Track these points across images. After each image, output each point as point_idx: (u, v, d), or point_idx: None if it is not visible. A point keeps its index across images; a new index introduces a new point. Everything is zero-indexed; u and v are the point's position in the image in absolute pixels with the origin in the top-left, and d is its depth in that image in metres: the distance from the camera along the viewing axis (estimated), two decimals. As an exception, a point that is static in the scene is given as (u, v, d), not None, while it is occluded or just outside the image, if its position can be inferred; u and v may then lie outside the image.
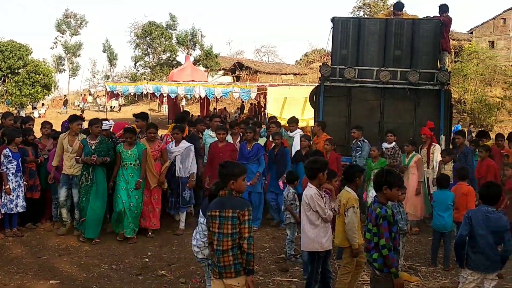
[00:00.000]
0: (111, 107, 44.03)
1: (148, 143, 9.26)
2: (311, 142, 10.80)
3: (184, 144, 9.69)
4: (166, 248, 8.69)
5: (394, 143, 10.64)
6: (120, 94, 30.57)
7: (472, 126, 33.07)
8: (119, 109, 45.47)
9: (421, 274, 7.70)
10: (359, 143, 10.74)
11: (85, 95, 53.64)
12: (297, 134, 11.27)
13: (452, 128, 14.58)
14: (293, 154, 10.69)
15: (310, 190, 5.96)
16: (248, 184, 9.51)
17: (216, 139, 10.33)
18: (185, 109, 30.01)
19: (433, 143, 10.75)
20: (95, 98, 52.83)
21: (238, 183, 4.73)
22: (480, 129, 25.18)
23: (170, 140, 10.21)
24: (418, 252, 8.89)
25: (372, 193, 8.52)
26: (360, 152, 10.64)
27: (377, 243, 4.99)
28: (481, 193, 5.72)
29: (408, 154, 10.29)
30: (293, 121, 12.00)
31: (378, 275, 5.05)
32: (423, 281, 7.40)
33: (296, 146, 10.96)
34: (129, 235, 8.94)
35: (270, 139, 11.02)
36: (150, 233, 9.28)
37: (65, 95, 48.76)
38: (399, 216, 7.44)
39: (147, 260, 8.05)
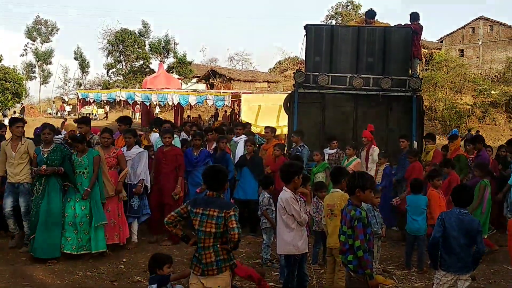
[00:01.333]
0: (94, 115, 43.84)
1: (102, 150, 8.63)
2: (257, 147, 10.77)
3: (136, 149, 9.25)
4: (141, 255, 8.62)
5: (336, 148, 10.92)
6: (92, 101, 30.21)
7: (472, 130, 32.47)
8: (106, 117, 44.91)
9: (395, 277, 7.79)
10: (299, 148, 10.80)
11: (62, 103, 52.82)
12: (241, 140, 11.23)
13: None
14: (235, 160, 10.64)
15: (286, 194, 5.99)
16: (198, 191, 9.50)
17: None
18: (158, 116, 29.82)
19: (373, 146, 10.90)
20: (69, 105, 52.22)
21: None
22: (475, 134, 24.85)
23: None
24: (392, 256, 8.99)
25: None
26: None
27: (352, 245, 5.02)
28: (454, 196, 5.81)
29: (349, 157, 10.54)
30: (240, 125, 12.06)
31: (353, 277, 5.08)
32: (398, 284, 7.50)
33: (239, 152, 10.95)
34: (69, 251, 8.09)
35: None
36: (123, 244, 8.77)
37: (21, 103, 47.42)
38: (374, 220, 7.52)
39: (122, 266, 7.98)
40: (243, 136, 11.50)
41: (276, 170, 9.94)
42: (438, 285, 5.72)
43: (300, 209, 6.02)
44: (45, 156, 8.14)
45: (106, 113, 46.47)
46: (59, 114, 47.16)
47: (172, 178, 9.41)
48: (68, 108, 51.05)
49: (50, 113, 49.31)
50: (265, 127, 12.20)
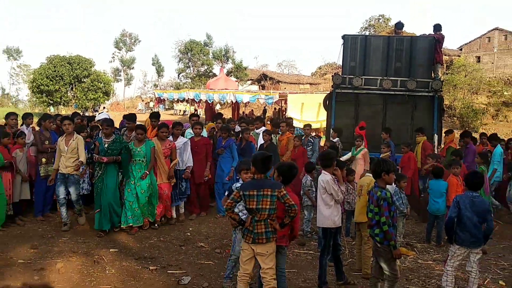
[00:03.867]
0: (187, 111, 43.94)
1: (159, 142, 8.46)
2: (272, 137, 10.56)
3: (182, 139, 9.08)
4: (204, 225, 8.79)
5: (337, 138, 11.14)
6: (166, 99, 30.78)
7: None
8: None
9: (417, 250, 7.70)
10: (311, 139, 10.96)
11: (156, 101, 52.59)
12: (261, 131, 10.87)
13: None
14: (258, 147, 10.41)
15: (326, 176, 5.90)
16: (227, 179, 9.29)
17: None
18: (218, 112, 30.12)
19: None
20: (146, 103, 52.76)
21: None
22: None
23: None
24: (414, 231, 8.86)
25: None
26: (311, 146, 10.87)
27: (378, 220, 4.99)
28: (467, 181, 5.67)
29: (357, 147, 10.30)
30: (258, 119, 12.04)
31: (379, 247, 5.05)
32: (419, 255, 7.40)
33: (260, 141, 10.71)
34: (132, 224, 8.04)
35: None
36: (156, 225, 8.44)
37: (86, 109, 46.33)
38: (400, 201, 7.46)
39: (188, 234, 8.16)
40: (263, 127, 11.34)
41: (296, 158, 9.93)
42: (452, 257, 5.60)
43: (338, 189, 5.98)
44: (105, 146, 7.96)
45: (196, 110, 46.18)
46: (155, 110, 46.99)
47: (203, 163, 9.31)
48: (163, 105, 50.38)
49: (140, 109, 49.53)
50: (281, 122, 11.87)
